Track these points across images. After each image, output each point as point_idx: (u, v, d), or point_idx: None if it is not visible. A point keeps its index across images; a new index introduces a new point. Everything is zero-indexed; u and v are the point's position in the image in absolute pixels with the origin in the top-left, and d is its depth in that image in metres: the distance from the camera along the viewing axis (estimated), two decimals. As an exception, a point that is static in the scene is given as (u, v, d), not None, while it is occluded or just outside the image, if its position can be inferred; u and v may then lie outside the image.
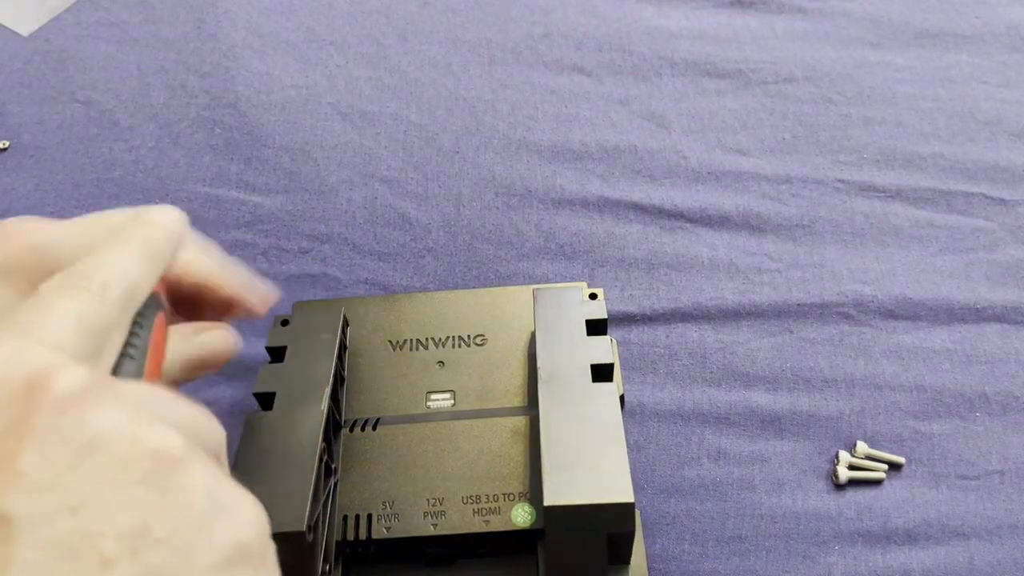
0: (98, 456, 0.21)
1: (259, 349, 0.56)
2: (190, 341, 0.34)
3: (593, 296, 0.49)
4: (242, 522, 0.23)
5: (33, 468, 0.20)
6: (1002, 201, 0.62)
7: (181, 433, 0.23)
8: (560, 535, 0.39)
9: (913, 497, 0.50)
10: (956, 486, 0.51)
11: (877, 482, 0.51)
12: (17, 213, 0.63)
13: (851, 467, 0.51)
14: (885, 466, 0.51)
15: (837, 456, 0.51)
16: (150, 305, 0.29)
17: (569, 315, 0.47)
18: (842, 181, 0.64)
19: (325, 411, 0.42)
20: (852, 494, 0.50)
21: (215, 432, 0.25)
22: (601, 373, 0.44)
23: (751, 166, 0.65)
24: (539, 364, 0.44)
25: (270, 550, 0.24)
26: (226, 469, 0.25)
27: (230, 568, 0.22)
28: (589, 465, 0.39)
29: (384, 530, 0.42)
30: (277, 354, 0.47)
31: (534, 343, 0.47)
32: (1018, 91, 0.69)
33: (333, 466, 0.44)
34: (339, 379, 0.47)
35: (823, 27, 0.73)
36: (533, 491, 0.43)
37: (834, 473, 0.51)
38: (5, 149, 0.67)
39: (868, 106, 0.68)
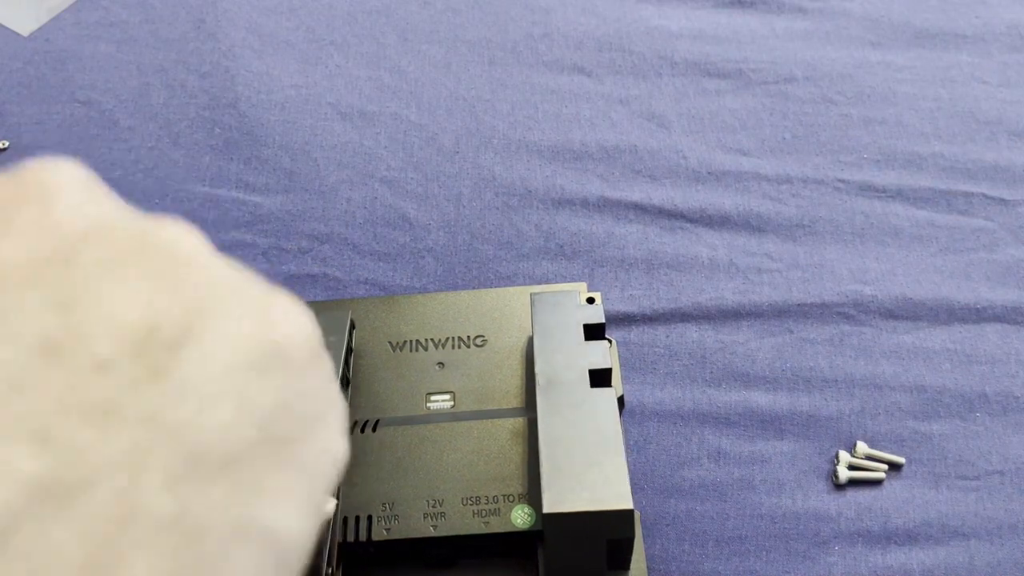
0: (95, 248, 0.18)
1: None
2: None
3: (591, 300, 0.49)
4: (277, 320, 0.19)
5: (12, 260, 0.17)
6: (1002, 201, 0.62)
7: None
8: (559, 542, 0.39)
9: (913, 497, 0.50)
10: (956, 486, 0.51)
11: (877, 482, 0.51)
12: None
13: (851, 467, 0.51)
14: (885, 466, 0.51)
15: (837, 456, 0.51)
16: None
17: (566, 320, 0.46)
18: (842, 181, 0.64)
19: None
20: (852, 494, 0.50)
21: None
22: (599, 378, 0.44)
23: (751, 166, 0.65)
24: (537, 370, 0.44)
25: (316, 357, 0.20)
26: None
27: (260, 373, 0.18)
28: (588, 472, 0.39)
29: (384, 531, 0.42)
30: None
31: (531, 347, 0.47)
32: (1018, 91, 0.69)
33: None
34: (345, 382, 0.47)
35: (823, 27, 0.73)
36: (533, 493, 0.43)
37: (834, 473, 0.51)
38: (5, 149, 0.67)
39: (868, 106, 0.68)
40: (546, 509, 0.38)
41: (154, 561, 0.16)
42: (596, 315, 0.47)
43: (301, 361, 0.19)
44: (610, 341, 0.52)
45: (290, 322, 0.19)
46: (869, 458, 0.51)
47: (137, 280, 0.18)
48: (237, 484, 0.17)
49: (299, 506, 0.18)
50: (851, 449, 0.52)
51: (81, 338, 0.16)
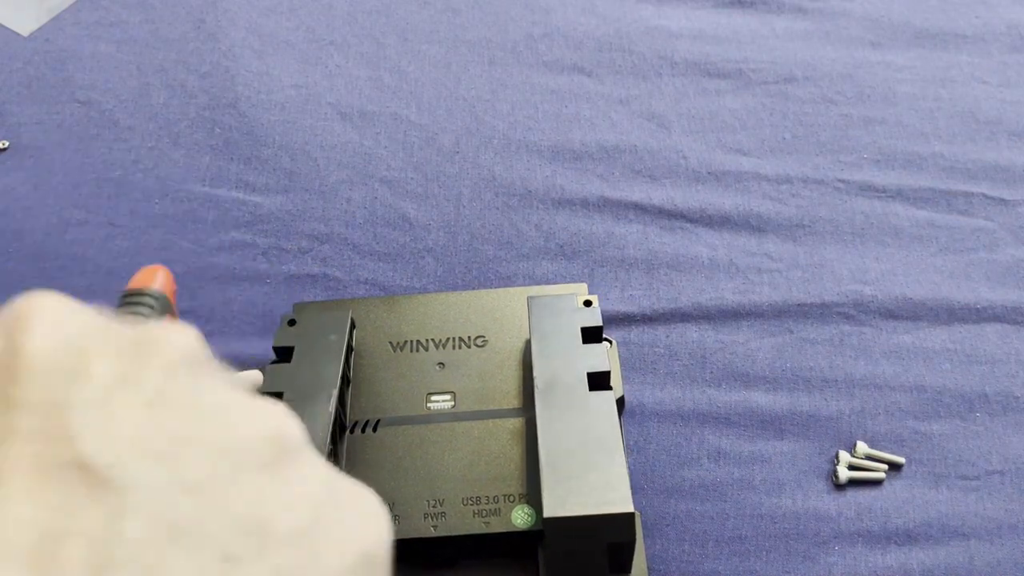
0: (216, 431, 0.18)
1: (264, 349, 0.56)
2: None
3: (588, 303, 0.48)
4: (368, 528, 0.20)
5: (147, 431, 0.17)
6: (1002, 201, 0.62)
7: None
8: (560, 546, 0.39)
9: (913, 497, 0.50)
10: (956, 486, 0.51)
11: (877, 482, 0.51)
12: (16, 213, 0.63)
13: (851, 467, 0.51)
14: (885, 466, 0.51)
15: (837, 456, 0.51)
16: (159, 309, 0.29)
17: (564, 323, 0.46)
18: (842, 181, 0.64)
19: (332, 414, 0.42)
20: (852, 494, 0.50)
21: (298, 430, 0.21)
22: (598, 381, 0.44)
23: (751, 166, 0.64)
24: (535, 373, 0.44)
25: (390, 556, 0.21)
26: None
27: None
28: (588, 475, 0.39)
29: None
30: (284, 354, 0.47)
31: (529, 351, 0.47)
32: (1019, 91, 0.69)
33: (338, 468, 0.43)
34: (346, 381, 0.47)
35: (823, 27, 0.73)
36: (533, 493, 0.43)
37: (834, 473, 0.51)
38: (5, 149, 0.67)
39: (868, 106, 0.68)
40: (546, 513, 0.38)
41: None
42: (594, 318, 0.47)
43: (384, 565, 0.20)
44: (610, 341, 0.52)
45: (377, 526, 0.20)
46: (869, 458, 0.51)
47: (253, 471, 0.18)
48: None
49: None
50: (851, 449, 0.52)
51: (206, 524, 0.17)
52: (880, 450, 0.52)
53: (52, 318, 0.18)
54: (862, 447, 0.51)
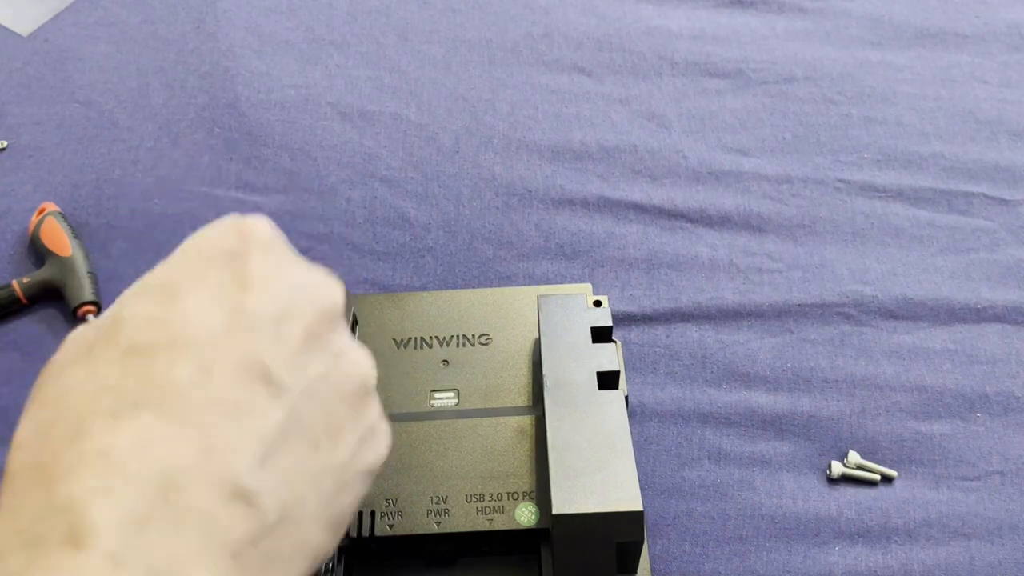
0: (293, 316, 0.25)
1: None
2: None
3: (598, 304, 0.49)
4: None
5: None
6: (1003, 201, 0.62)
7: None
8: (569, 544, 0.39)
9: (913, 497, 0.50)
10: (956, 486, 0.51)
11: (876, 482, 0.51)
12: (16, 213, 0.63)
13: (844, 476, 0.51)
14: (878, 477, 0.51)
15: (830, 467, 0.51)
16: None
17: (574, 322, 0.46)
18: (842, 181, 0.64)
19: None
20: (852, 494, 0.50)
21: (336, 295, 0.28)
22: (607, 381, 0.44)
23: (751, 166, 0.64)
24: (545, 372, 0.44)
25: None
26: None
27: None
28: (597, 474, 0.39)
29: (387, 527, 0.42)
30: None
31: (538, 349, 0.47)
32: (1019, 91, 0.69)
33: None
34: None
35: (823, 27, 0.73)
36: (537, 490, 0.43)
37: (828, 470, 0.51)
38: (4, 149, 0.67)
39: (868, 106, 0.68)
40: (555, 510, 0.38)
41: None
42: (604, 318, 0.47)
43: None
44: (615, 342, 0.52)
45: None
46: (861, 468, 0.51)
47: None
48: None
49: None
50: (843, 459, 0.51)
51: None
52: (881, 451, 0.51)
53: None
54: (854, 457, 0.51)
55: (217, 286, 0.25)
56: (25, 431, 0.23)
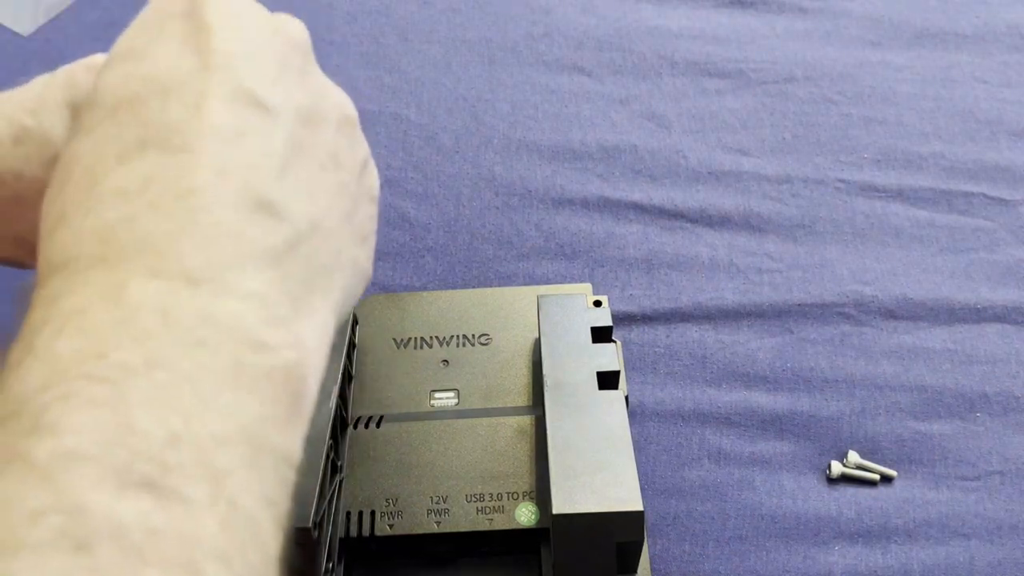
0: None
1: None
2: None
3: (598, 304, 0.49)
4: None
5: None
6: (1003, 201, 0.62)
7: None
8: (569, 544, 0.39)
9: (913, 497, 0.50)
10: (956, 486, 0.51)
11: (876, 482, 0.51)
12: (17, 213, 0.63)
13: (843, 476, 0.51)
14: (878, 477, 0.51)
15: (830, 467, 0.51)
16: None
17: (574, 322, 0.47)
18: (842, 181, 0.64)
19: (333, 409, 0.42)
20: (852, 494, 0.50)
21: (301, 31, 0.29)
22: (607, 381, 0.44)
23: (751, 166, 0.65)
24: (545, 372, 0.44)
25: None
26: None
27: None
28: (598, 474, 0.39)
29: (387, 527, 0.42)
30: None
31: (538, 349, 0.47)
32: (1019, 91, 0.69)
33: (340, 464, 0.44)
34: (347, 377, 0.48)
35: (823, 27, 0.73)
36: (537, 490, 0.43)
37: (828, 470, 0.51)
38: (5, 149, 0.67)
39: (868, 106, 0.68)
40: (555, 510, 0.38)
41: None
42: (604, 318, 0.47)
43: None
44: (615, 342, 0.52)
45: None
46: (860, 468, 0.51)
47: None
48: None
49: None
50: (843, 459, 0.51)
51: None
52: (881, 451, 0.51)
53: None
54: (853, 457, 0.51)
55: (181, 37, 0.26)
56: (43, 201, 0.24)
